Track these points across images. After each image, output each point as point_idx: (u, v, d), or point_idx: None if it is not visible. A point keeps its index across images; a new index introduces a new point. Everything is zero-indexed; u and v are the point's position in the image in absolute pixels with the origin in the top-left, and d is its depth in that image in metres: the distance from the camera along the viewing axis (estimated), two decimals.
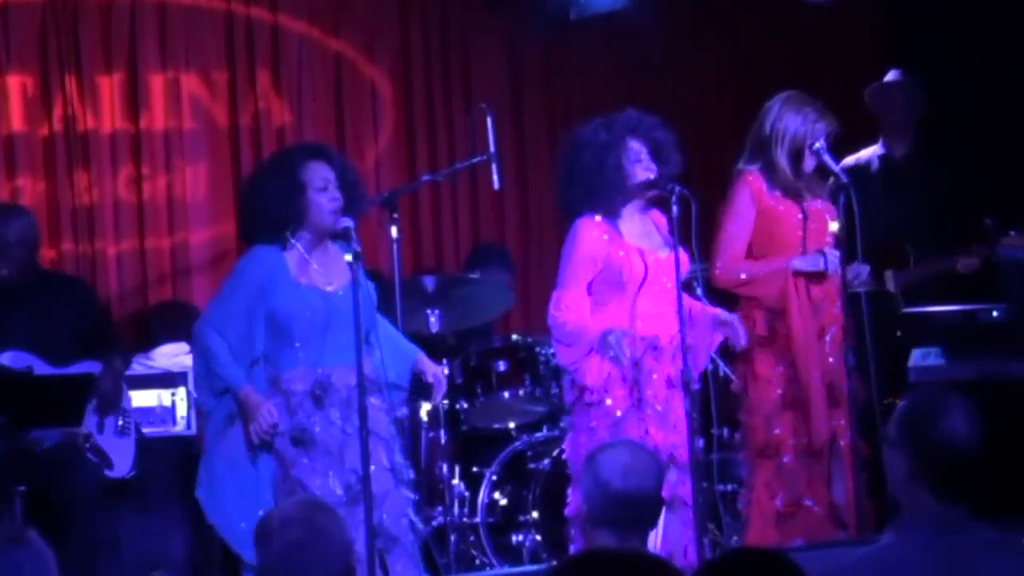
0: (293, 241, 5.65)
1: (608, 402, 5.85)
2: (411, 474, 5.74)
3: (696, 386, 5.89)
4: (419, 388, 5.89)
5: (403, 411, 5.89)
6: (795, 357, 6.10)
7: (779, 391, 6.14)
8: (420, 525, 5.81)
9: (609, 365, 5.79)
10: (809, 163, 6.18)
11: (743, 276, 6.18)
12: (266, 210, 5.65)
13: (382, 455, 5.62)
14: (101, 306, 7.08)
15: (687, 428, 5.79)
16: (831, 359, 6.15)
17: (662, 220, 6.02)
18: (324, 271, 5.65)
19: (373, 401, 5.61)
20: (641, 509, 3.96)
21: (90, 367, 6.44)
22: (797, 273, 6.13)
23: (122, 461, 6.63)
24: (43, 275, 6.74)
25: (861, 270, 6.19)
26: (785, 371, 6.14)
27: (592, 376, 5.83)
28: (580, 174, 5.95)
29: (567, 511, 5.94)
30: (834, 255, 6.09)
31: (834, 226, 6.13)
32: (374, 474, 5.47)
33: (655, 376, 5.87)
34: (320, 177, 5.64)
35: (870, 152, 7.65)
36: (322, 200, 5.63)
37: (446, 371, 5.92)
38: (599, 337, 5.77)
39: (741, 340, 5.97)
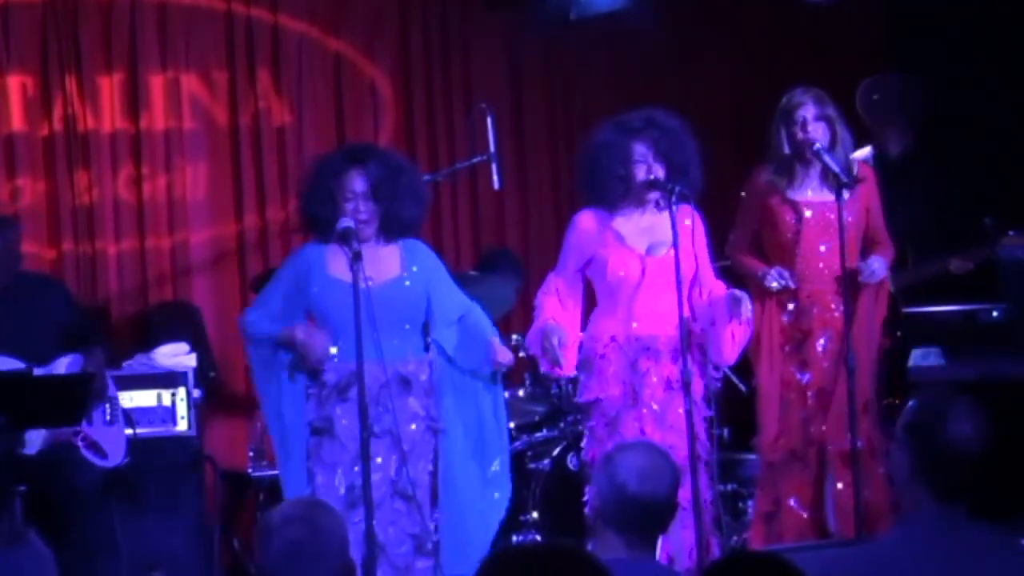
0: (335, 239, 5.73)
1: (604, 401, 5.89)
2: (414, 490, 5.65)
3: (715, 380, 5.96)
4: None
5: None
6: (752, 362, 6.17)
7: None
8: (428, 544, 5.72)
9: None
10: (802, 141, 6.19)
11: (736, 265, 6.35)
12: (306, 211, 5.81)
13: (392, 463, 5.62)
14: (77, 301, 7.07)
15: (687, 429, 5.81)
16: (825, 364, 6.14)
17: (685, 217, 5.97)
18: (367, 266, 5.65)
19: (411, 402, 5.63)
20: (654, 514, 3.94)
21: (71, 362, 6.47)
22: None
23: (115, 450, 6.63)
24: (18, 277, 6.74)
25: (873, 263, 6.20)
26: None
27: (543, 364, 5.94)
28: (583, 170, 6.04)
29: (589, 510, 5.95)
30: (774, 273, 6.14)
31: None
32: (377, 481, 5.50)
33: (652, 377, 5.87)
34: (348, 188, 5.70)
35: (864, 153, 7.63)
36: (348, 208, 5.69)
37: (508, 356, 5.81)
38: (537, 331, 5.89)
39: (743, 314, 5.86)
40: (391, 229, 5.75)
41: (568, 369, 5.95)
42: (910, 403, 3.48)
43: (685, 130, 5.95)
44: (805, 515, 6.11)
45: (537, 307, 6.02)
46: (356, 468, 5.56)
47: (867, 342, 6.25)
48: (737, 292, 5.87)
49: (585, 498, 5.90)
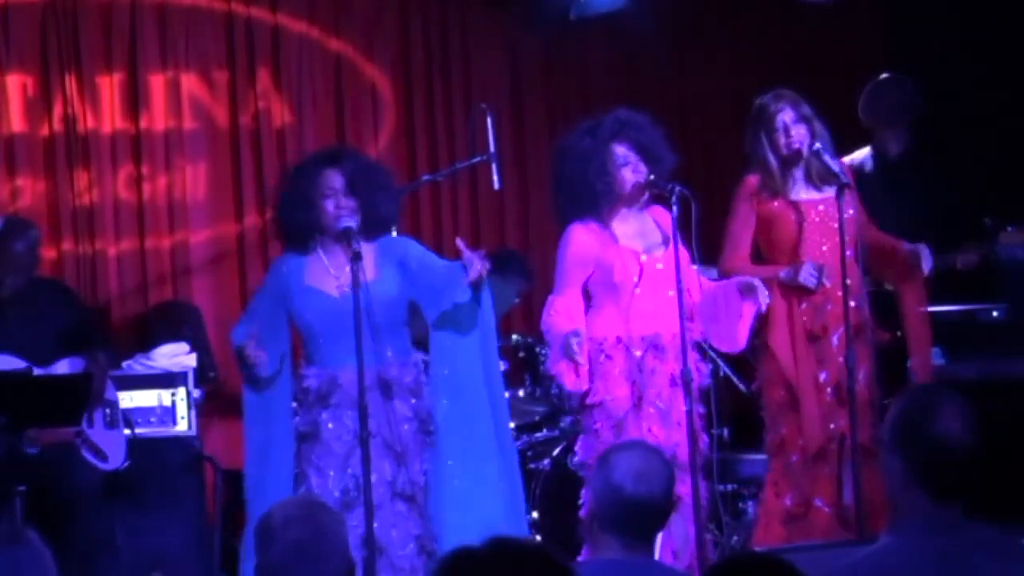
0: (316, 246, 5.76)
1: (610, 403, 5.86)
2: (411, 490, 5.65)
3: (706, 376, 5.94)
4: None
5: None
6: (780, 364, 6.10)
7: (783, 392, 6.15)
8: (428, 546, 5.71)
9: (599, 369, 5.84)
10: (788, 145, 6.16)
11: (744, 273, 6.19)
12: (285, 218, 5.83)
13: (386, 466, 5.62)
14: (83, 304, 7.09)
15: (687, 426, 5.82)
16: (840, 359, 6.12)
17: (664, 216, 5.99)
18: (341, 273, 5.69)
19: (398, 405, 5.64)
20: (651, 514, 3.94)
21: (73, 364, 6.47)
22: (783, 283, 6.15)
23: (115, 453, 6.64)
24: (28, 280, 6.75)
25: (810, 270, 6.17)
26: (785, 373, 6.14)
27: (568, 380, 5.87)
28: (567, 182, 5.97)
29: (582, 513, 5.93)
30: (810, 268, 6.08)
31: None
32: (373, 483, 5.49)
33: (657, 375, 5.87)
34: (327, 185, 5.72)
35: (863, 154, 7.63)
36: (328, 206, 5.70)
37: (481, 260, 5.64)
38: (562, 339, 5.81)
39: (763, 302, 5.90)
40: (369, 227, 5.76)
41: (583, 379, 5.89)
42: (893, 407, 3.44)
43: (652, 120, 5.99)
44: (829, 512, 6.12)
45: (546, 334, 5.94)
46: (349, 471, 5.58)
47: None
48: (748, 279, 5.89)
49: (581, 500, 5.90)
